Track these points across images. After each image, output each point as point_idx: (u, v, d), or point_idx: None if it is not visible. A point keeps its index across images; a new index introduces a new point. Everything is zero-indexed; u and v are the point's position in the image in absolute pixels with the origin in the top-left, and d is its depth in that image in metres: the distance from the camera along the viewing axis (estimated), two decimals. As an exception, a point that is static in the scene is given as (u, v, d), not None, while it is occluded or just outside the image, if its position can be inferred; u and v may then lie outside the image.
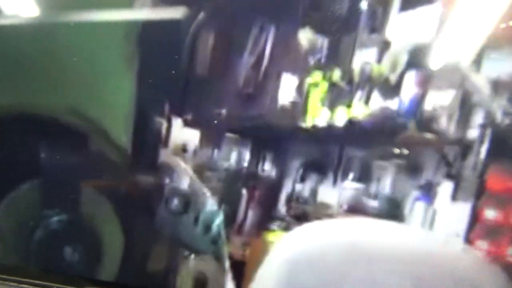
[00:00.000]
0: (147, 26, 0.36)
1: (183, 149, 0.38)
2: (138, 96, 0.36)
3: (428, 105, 0.41)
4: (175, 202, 0.36)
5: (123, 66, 0.36)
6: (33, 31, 0.35)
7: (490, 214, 0.40)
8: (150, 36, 0.36)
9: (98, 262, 0.34)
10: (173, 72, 0.36)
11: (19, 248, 0.34)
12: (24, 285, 0.34)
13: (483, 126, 0.40)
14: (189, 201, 0.36)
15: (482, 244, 0.40)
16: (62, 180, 0.34)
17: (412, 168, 0.41)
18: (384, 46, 0.43)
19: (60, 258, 0.34)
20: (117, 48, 0.35)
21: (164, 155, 0.37)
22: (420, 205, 0.41)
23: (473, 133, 0.40)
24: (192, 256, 0.36)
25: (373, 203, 0.40)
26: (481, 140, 0.40)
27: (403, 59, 0.43)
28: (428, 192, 0.40)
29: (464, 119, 0.40)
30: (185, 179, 0.37)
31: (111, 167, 0.35)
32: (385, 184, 0.42)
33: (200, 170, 0.37)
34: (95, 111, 0.35)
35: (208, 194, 0.37)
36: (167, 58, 0.36)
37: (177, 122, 0.37)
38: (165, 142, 0.37)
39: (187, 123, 0.37)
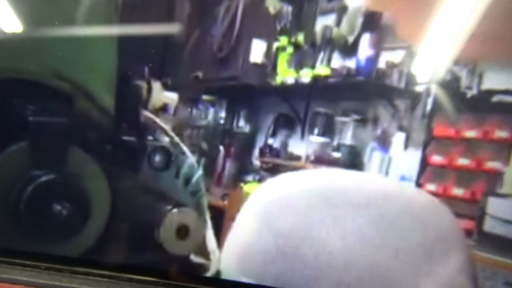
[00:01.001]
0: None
1: (163, 110, 0.38)
2: (120, 60, 0.35)
3: (382, 64, 0.42)
4: (157, 158, 0.36)
5: (104, 32, 0.35)
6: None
7: (436, 158, 0.42)
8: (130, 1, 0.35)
9: (86, 219, 0.34)
10: (153, 38, 0.36)
11: (8, 209, 0.33)
12: (16, 266, 0.34)
13: (429, 81, 0.42)
14: (170, 157, 0.36)
15: (431, 186, 0.42)
16: (49, 141, 0.33)
17: (369, 121, 0.43)
18: (342, 11, 0.43)
19: (49, 217, 0.33)
20: (100, 12, 0.34)
21: (146, 116, 0.37)
22: (377, 154, 0.42)
23: (420, 87, 0.42)
24: (175, 209, 0.36)
25: (337, 154, 0.41)
26: (427, 93, 0.42)
27: (359, 22, 0.44)
28: (384, 142, 0.42)
29: (412, 75, 0.42)
30: (165, 137, 0.37)
31: (96, 127, 0.35)
32: (346, 136, 0.43)
33: (179, 129, 0.37)
34: (80, 74, 0.34)
35: (188, 150, 0.37)
36: (147, 24, 0.36)
37: (156, 85, 0.37)
38: (146, 104, 0.37)
39: (166, 86, 0.37)
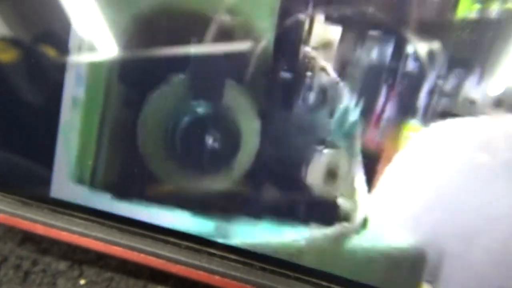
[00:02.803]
0: None
1: (325, 46, 0.33)
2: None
3: None
4: (313, 96, 0.33)
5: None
6: None
7: None
8: None
9: (236, 151, 0.33)
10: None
11: (166, 136, 0.34)
12: (159, 242, 0.34)
13: None
14: (326, 95, 0.33)
15: None
16: (208, 74, 0.32)
17: None
18: None
19: (201, 147, 0.33)
20: None
21: (306, 51, 0.33)
22: None
23: None
24: (325, 149, 0.33)
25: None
26: None
27: None
28: None
29: None
30: (324, 75, 0.33)
31: (254, 61, 0.33)
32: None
33: (340, 66, 0.33)
34: (245, 8, 0.32)
35: (346, 89, 0.33)
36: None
37: (320, 19, 0.32)
38: (307, 39, 0.33)
39: (330, 20, 0.32)
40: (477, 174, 0.29)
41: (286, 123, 0.33)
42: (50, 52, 0.36)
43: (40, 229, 0.37)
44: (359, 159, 0.33)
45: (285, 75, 0.33)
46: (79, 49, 0.35)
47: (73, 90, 0.35)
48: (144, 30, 0.33)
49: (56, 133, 0.36)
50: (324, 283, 0.33)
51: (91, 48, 0.35)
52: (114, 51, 0.34)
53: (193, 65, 0.32)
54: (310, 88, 0.33)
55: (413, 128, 0.33)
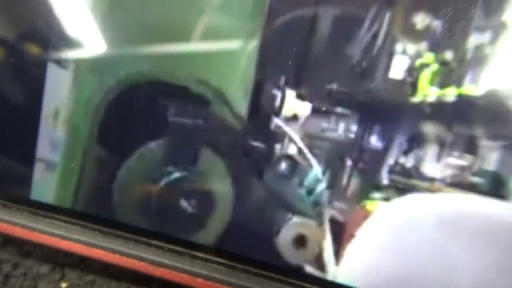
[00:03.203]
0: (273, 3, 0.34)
1: (294, 119, 0.36)
2: (257, 69, 0.34)
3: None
4: (283, 166, 0.34)
5: (246, 41, 0.34)
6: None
7: None
8: (274, 15, 0.34)
9: (208, 217, 0.34)
10: (293, 49, 0.34)
11: (141, 201, 0.34)
12: (142, 244, 0.34)
13: None
14: (296, 166, 0.34)
15: None
16: (184, 140, 0.34)
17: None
18: (501, 28, 0.37)
19: (175, 211, 0.34)
20: (243, 25, 0.34)
21: (277, 123, 0.35)
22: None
23: None
24: (294, 218, 0.34)
25: (476, 179, 0.36)
26: None
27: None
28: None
29: None
30: (294, 146, 0.35)
31: (228, 131, 0.34)
32: (490, 162, 0.37)
33: (309, 139, 0.35)
34: (221, 82, 0.35)
35: (314, 161, 0.34)
36: (287, 35, 0.34)
37: (290, 94, 0.35)
38: (278, 112, 0.35)
39: (299, 96, 0.35)
40: (436, 248, 0.30)
41: (258, 190, 0.34)
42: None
43: (20, 232, 0.34)
44: (327, 226, 0.34)
45: (257, 145, 0.35)
46: (56, 114, 0.36)
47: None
48: (124, 97, 0.35)
49: (36, 137, 0.36)
50: (307, 285, 0.33)
51: (70, 110, 0.36)
52: (94, 114, 0.35)
53: (170, 131, 0.34)
54: (280, 159, 0.35)
55: (376, 202, 0.35)
